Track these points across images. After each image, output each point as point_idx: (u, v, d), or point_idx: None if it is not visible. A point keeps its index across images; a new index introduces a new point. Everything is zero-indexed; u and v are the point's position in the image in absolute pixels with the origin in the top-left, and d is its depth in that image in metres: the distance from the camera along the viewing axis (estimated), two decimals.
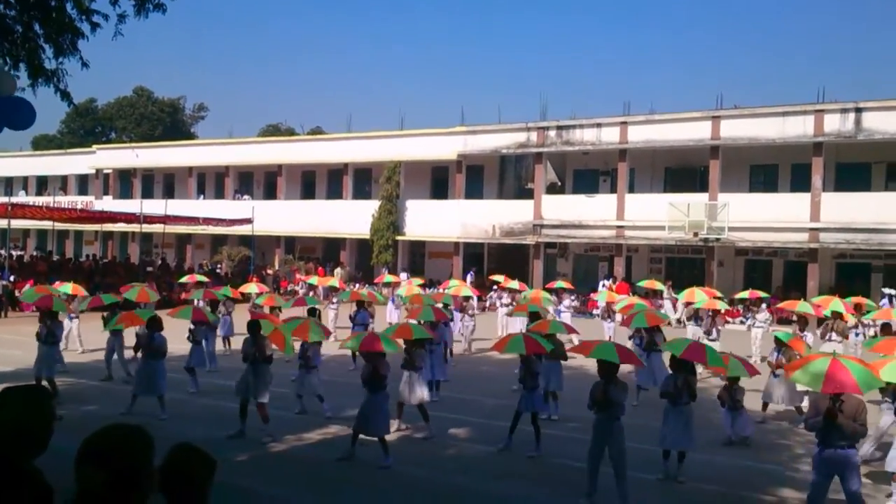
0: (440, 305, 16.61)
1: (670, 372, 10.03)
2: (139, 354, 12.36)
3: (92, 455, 2.54)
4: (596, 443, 8.45)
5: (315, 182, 41.67)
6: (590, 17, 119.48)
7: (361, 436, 10.08)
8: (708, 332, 17.53)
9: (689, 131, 29.84)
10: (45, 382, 12.33)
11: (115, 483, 2.51)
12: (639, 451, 10.02)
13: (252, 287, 21.82)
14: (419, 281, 26.94)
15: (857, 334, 19.19)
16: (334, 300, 22.94)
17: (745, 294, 23.11)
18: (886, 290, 25.78)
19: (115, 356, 15.36)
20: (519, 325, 19.12)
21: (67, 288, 18.76)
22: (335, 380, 15.30)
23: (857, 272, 29.52)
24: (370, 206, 36.19)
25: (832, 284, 29.22)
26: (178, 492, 2.82)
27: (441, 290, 23.08)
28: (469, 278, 31.29)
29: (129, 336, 15.40)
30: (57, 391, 12.76)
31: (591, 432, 8.55)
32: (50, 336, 13.05)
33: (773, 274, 31.03)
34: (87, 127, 72.77)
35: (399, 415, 11.35)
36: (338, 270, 35.98)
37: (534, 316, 14.95)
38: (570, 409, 12.30)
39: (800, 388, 14.21)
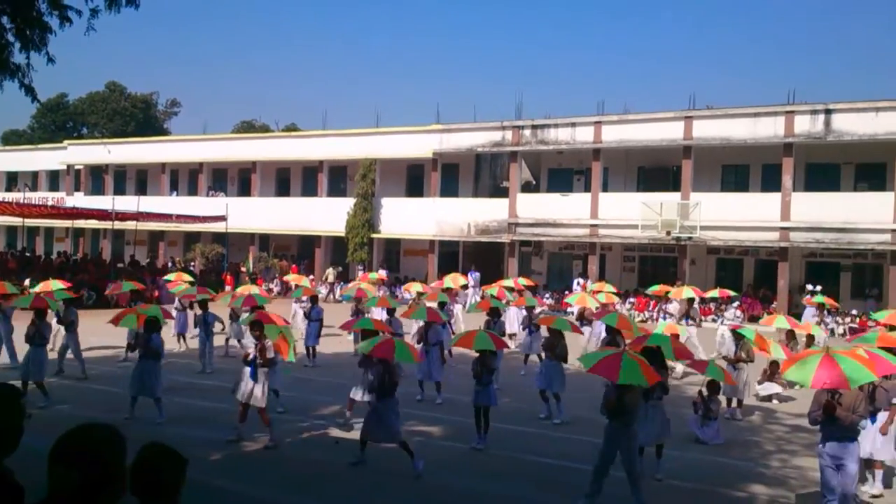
0: (435, 304, 16.66)
1: None
2: (131, 353, 12.06)
3: (64, 455, 2.54)
4: (607, 449, 8.16)
5: (290, 179, 41.46)
6: (565, 17, 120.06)
7: (336, 435, 10.08)
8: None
9: (662, 131, 30.11)
10: (17, 385, 12.14)
11: (88, 483, 2.51)
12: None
13: (255, 289, 21.31)
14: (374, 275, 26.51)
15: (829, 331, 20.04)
16: (304, 298, 23.12)
17: (714, 293, 23.43)
18: (810, 287, 26.45)
19: (60, 350, 15.37)
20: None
21: (59, 285, 18.43)
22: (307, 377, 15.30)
23: (826, 271, 30.00)
24: (345, 204, 36.08)
25: (802, 283, 29.71)
26: (149, 491, 2.81)
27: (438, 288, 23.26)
28: (471, 278, 31.32)
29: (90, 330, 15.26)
30: (47, 394, 12.41)
31: (603, 438, 8.27)
32: (38, 337, 12.70)
33: (744, 272, 31.43)
34: (57, 122, 71.72)
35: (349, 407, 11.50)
36: (329, 270, 35.47)
37: (494, 312, 15.15)
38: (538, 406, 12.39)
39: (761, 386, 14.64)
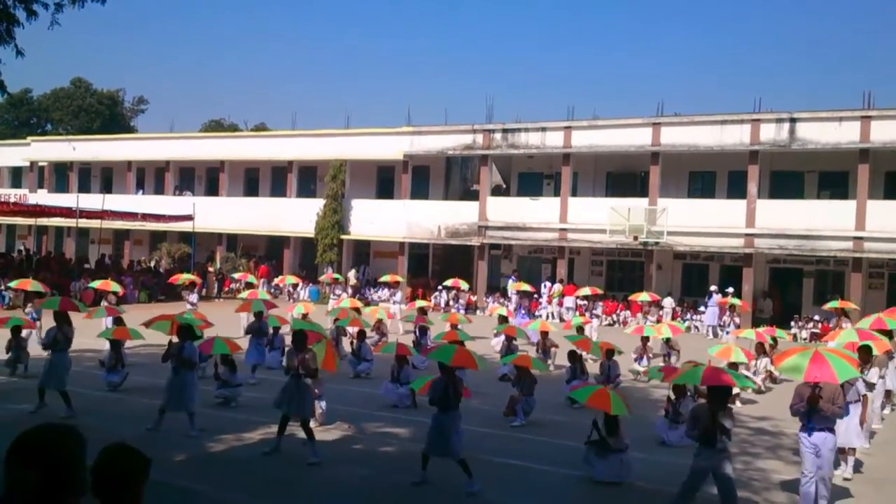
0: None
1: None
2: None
3: (22, 455, 2.48)
4: (699, 474, 7.83)
5: (259, 179, 41.11)
6: (535, 22, 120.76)
7: (302, 437, 10.00)
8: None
9: (631, 137, 30.37)
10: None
11: (47, 483, 2.46)
12: (571, 448, 10.20)
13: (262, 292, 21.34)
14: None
15: (726, 332, 22.17)
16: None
17: (645, 296, 25.93)
18: (713, 288, 27.28)
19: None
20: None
21: (38, 286, 18.48)
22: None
23: (789, 277, 30.52)
24: (315, 205, 35.87)
25: (766, 288, 30.18)
26: (112, 492, 2.77)
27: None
28: (511, 281, 31.34)
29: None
30: (70, 405, 11.66)
31: (694, 462, 7.91)
32: (64, 341, 11.91)
33: (710, 277, 31.80)
34: (21, 118, 70.46)
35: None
36: (352, 272, 34.52)
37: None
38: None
39: None
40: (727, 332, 21.85)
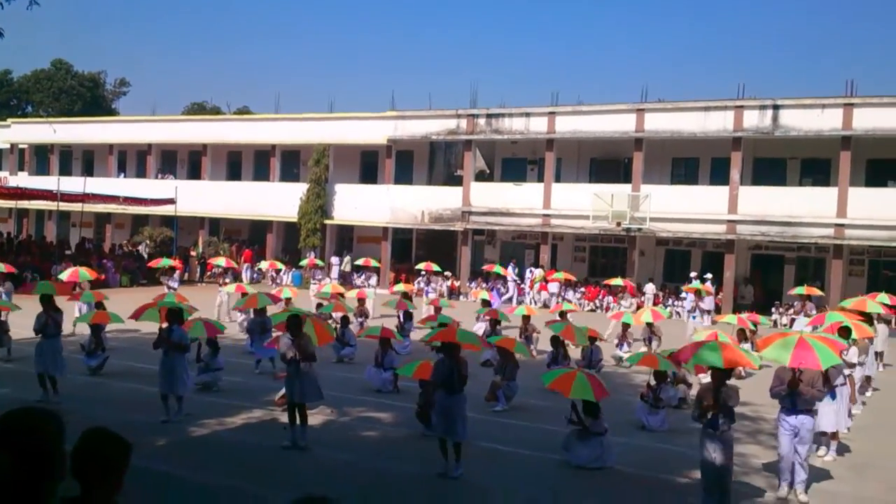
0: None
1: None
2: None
3: None
4: (708, 465, 7.82)
5: (241, 163, 40.84)
6: (519, 7, 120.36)
7: (285, 421, 10.00)
8: None
9: (615, 123, 30.40)
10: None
11: (23, 466, 2.45)
12: (553, 433, 10.29)
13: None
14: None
15: (693, 317, 22.05)
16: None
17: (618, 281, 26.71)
18: (693, 274, 27.52)
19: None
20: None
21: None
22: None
23: (771, 263, 30.78)
24: (298, 189, 35.69)
25: (747, 274, 30.41)
26: (92, 476, 2.76)
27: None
28: (511, 268, 31.37)
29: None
30: (56, 391, 11.58)
31: (700, 446, 7.90)
32: (53, 326, 11.76)
33: (692, 263, 32.00)
34: (1, 99, 69.55)
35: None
36: (346, 258, 34.53)
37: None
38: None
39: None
40: (694, 318, 21.97)
